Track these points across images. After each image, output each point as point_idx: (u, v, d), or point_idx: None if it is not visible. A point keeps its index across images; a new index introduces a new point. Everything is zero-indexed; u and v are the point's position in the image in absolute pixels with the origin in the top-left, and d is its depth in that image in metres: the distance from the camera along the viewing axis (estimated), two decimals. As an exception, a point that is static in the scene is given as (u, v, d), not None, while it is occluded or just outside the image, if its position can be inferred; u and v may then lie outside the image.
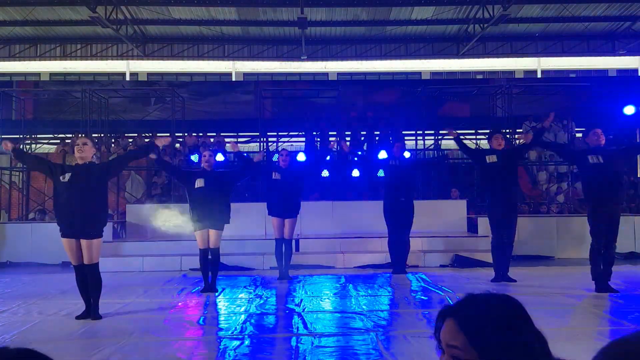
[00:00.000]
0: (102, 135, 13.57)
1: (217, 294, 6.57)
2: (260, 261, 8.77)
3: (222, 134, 15.50)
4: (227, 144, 6.80)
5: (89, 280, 5.26)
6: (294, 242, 8.05)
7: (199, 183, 6.61)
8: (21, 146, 13.57)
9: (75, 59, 19.93)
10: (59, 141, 14.84)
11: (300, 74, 20.97)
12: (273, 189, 7.59)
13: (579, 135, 15.41)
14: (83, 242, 5.20)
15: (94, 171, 5.33)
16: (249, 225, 9.75)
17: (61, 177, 5.24)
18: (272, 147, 14.55)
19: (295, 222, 7.69)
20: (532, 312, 1.20)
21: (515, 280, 6.96)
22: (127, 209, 10.82)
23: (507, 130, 13.99)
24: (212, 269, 6.71)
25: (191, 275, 8.15)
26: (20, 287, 7.26)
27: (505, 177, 6.92)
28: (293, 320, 5.06)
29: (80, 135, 11.94)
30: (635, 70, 21.47)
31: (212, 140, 14.43)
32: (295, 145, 15.28)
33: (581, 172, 6.85)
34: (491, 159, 6.95)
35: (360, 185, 12.77)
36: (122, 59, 20.11)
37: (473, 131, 15.11)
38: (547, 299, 6.00)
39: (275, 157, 11.25)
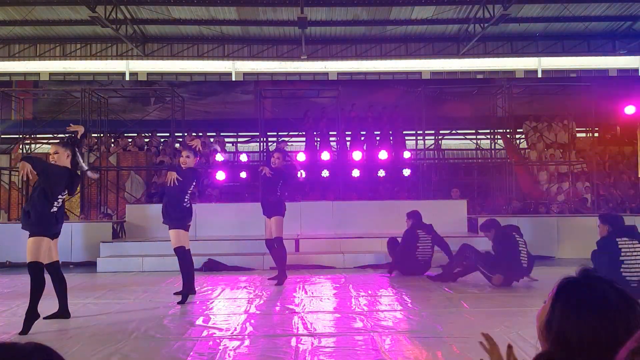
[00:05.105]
0: (102, 135, 13.57)
1: (215, 294, 6.54)
2: (260, 261, 8.75)
3: (222, 133, 15.52)
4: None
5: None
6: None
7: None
8: (22, 148, 13.66)
9: (75, 59, 19.93)
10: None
11: (300, 74, 20.97)
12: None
13: (579, 135, 15.43)
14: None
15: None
16: (248, 225, 9.74)
17: None
18: (272, 147, 14.55)
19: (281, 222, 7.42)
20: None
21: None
22: (126, 209, 10.81)
23: (508, 130, 13.99)
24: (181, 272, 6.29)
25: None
26: (20, 287, 7.23)
27: None
28: (293, 320, 5.06)
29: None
30: (636, 70, 21.48)
31: (212, 140, 14.44)
32: (295, 145, 15.28)
33: None
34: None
35: (360, 185, 12.75)
36: (122, 59, 20.11)
37: (473, 131, 15.11)
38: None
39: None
